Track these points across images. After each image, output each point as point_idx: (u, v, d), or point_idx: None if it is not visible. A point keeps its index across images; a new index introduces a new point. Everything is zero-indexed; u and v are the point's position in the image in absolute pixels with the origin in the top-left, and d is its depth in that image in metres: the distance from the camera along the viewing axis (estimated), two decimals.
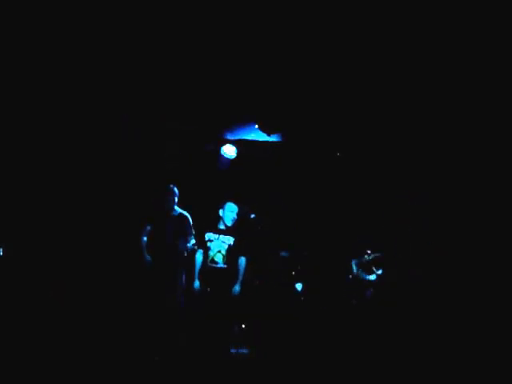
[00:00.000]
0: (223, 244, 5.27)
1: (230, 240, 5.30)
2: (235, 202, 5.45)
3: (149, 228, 5.55)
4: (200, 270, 5.29)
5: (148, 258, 5.42)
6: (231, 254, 5.24)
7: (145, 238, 5.51)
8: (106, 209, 6.28)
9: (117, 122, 5.98)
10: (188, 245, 5.34)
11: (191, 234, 5.50)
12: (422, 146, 5.88)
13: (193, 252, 5.35)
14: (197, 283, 5.25)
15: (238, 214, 5.39)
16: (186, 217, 5.56)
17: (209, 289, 5.23)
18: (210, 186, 6.76)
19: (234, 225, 5.36)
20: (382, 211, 6.53)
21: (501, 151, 5.28)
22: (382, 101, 5.49)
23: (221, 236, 5.32)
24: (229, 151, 6.55)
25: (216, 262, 5.24)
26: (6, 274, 5.48)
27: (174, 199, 5.55)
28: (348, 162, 6.63)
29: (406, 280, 5.66)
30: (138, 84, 5.41)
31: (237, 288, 5.19)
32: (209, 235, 5.36)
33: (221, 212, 5.41)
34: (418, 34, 4.46)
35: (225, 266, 5.23)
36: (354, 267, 5.98)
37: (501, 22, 4.20)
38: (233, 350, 5.34)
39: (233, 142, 6.58)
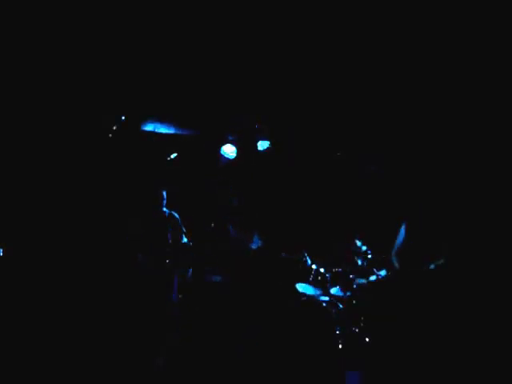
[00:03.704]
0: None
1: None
2: None
3: (139, 227, 5.58)
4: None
5: (143, 259, 5.44)
6: None
7: (135, 238, 5.54)
8: (102, 208, 6.28)
9: (113, 123, 5.98)
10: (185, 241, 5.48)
11: (183, 232, 5.60)
12: (421, 145, 5.88)
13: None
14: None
15: None
16: (175, 216, 5.62)
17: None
18: (210, 186, 6.77)
19: None
20: (381, 211, 6.53)
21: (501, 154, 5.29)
22: (382, 101, 5.49)
23: None
24: (229, 151, 6.55)
25: None
26: (6, 274, 5.46)
27: (163, 200, 5.62)
28: (348, 162, 6.63)
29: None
30: (138, 84, 5.42)
31: None
32: None
33: None
34: (418, 34, 4.46)
35: None
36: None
37: (501, 22, 4.20)
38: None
39: (233, 142, 6.57)
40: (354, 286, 5.76)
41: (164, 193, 5.60)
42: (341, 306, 5.67)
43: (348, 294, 5.81)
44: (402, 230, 5.48)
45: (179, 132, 6.36)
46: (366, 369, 4.84)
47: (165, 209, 5.61)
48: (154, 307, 5.32)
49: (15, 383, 4.26)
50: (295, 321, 5.66)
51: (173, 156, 6.31)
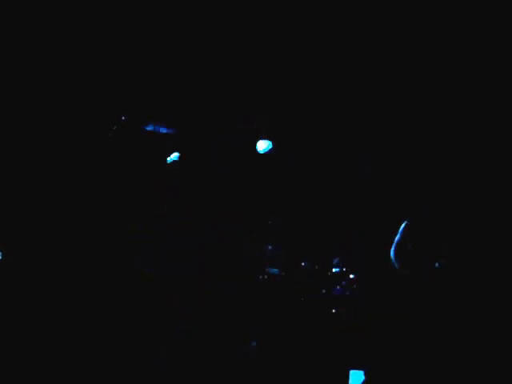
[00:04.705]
0: None
1: None
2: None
3: (142, 229, 5.56)
4: None
5: (149, 260, 5.42)
6: None
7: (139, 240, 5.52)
8: (104, 211, 6.27)
9: (114, 124, 5.98)
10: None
11: (185, 233, 5.59)
12: (422, 145, 5.88)
13: None
14: None
15: None
16: (181, 218, 5.61)
17: None
18: (210, 186, 6.76)
19: None
20: (380, 211, 6.53)
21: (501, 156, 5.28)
22: (382, 101, 5.49)
23: None
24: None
25: None
26: (5, 277, 5.45)
27: (174, 203, 5.59)
28: (348, 163, 6.63)
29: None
30: (137, 84, 5.41)
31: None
32: None
33: None
34: (418, 33, 4.46)
35: None
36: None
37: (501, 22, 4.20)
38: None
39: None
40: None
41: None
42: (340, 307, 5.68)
43: (348, 293, 5.82)
44: (402, 228, 5.47)
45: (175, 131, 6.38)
46: (367, 368, 4.84)
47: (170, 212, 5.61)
48: (154, 307, 5.33)
49: (15, 383, 4.25)
50: (295, 321, 5.66)
51: (174, 157, 6.32)
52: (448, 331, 5.16)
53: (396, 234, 5.44)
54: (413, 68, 4.87)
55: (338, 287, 5.91)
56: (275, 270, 5.91)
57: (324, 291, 5.95)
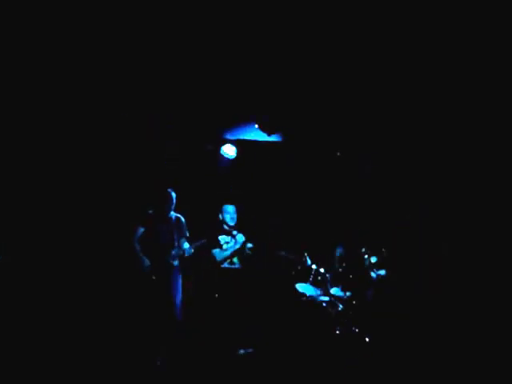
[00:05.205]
0: (237, 245, 5.67)
1: (242, 238, 5.71)
2: (231, 203, 5.85)
3: (142, 230, 5.55)
4: (215, 270, 5.60)
5: (147, 261, 5.42)
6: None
7: (137, 241, 5.51)
8: (103, 211, 6.26)
9: (116, 123, 5.97)
10: (185, 248, 5.45)
11: (186, 236, 5.63)
12: (422, 145, 5.89)
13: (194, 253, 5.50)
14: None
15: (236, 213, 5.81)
16: (181, 220, 5.64)
17: (216, 295, 5.54)
18: (210, 186, 6.77)
19: (236, 223, 5.78)
20: (380, 211, 6.54)
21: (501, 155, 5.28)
22: (382, 100, 5.49)
23: (233, 238, 5.73)
24: (229, 151, 6.57)
25: (233, 263, 5.67)
26: (4, 278, 5.44)
27: (172, 203, 5.59)
28: (348, 162, 6.64)
29: (407, 281, 5.68)
30: (138, 84, 5.41)
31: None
32: (223, 238, 5.70)
33: (220, 216, 5.81)
34: (418, 33, 4.46)
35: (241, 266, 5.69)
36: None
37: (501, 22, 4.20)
38: (241, 351, 5.38)
39: (233, 142, 6.58)
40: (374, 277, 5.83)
41: (173, 194, 5.61)
42: (341, 306, 5.66)
43: (348, 294, 5.82)
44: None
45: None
46: (365, 368, 4.85)
47: (172, 212, 5.63)
48: (154, 308, 5.33)
49: (15, 383, 4.26)
50: (295, 321, 5.66)
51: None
52: (447, 331, 5.16)
53: (395, 235, 5.47)
54: (413, 69, 4.87)
55: (338, 287, 5.92)
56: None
57: (324, 291, 5.95)
